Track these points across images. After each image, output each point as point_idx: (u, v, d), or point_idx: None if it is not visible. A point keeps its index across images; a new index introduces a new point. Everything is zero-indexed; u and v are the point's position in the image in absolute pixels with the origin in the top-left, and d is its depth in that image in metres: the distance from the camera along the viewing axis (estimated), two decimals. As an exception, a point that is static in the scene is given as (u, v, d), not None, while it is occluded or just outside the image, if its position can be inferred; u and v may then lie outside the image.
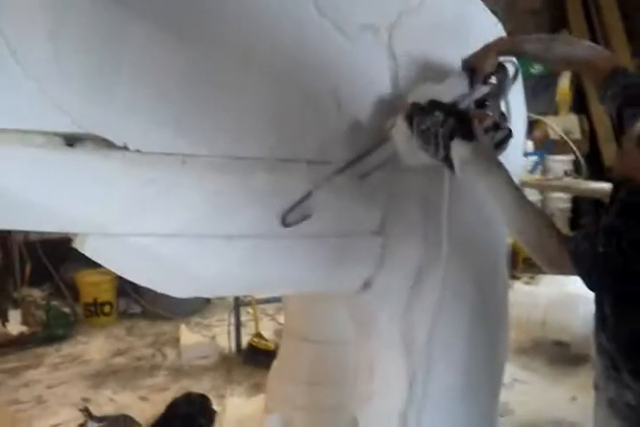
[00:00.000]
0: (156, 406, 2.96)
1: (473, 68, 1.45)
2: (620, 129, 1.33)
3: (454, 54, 1.59)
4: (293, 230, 1.38)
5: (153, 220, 1.22)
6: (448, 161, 1.36)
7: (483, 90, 1.45)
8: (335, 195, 1.45)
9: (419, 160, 1.45)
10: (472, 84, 1.45)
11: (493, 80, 1.48)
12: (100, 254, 1.21)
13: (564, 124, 5.51)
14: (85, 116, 1.08)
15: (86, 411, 2.96)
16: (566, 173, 4.42)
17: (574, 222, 5.72)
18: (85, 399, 3.28)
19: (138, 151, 1.14)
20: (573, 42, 1.47)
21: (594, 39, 6.04)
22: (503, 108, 1.55)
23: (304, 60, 1.34)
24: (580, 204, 5.68)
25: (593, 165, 5.59)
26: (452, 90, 1.43)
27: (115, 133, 1.11)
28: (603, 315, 1.36)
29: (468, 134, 1.33)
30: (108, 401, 3.27)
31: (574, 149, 4.18)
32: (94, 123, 1.09)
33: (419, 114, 1.37)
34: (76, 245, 1.19)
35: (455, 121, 1.33)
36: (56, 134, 1.09)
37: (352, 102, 1.42)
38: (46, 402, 3.27)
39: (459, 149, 1.33)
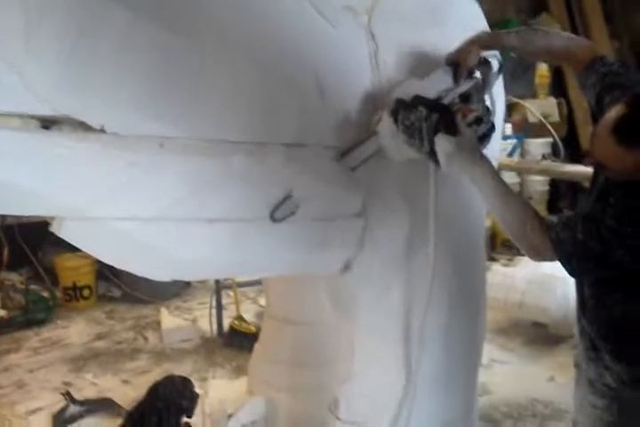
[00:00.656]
0: (137, 389, 2.94)
1: (456, 63, 1.48)
2: (600, 115, 1.34)
3: (434, 35, 1.59)
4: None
5: (132, 203, 1.21)
6: (433, 155, 1.39)
7: (466, 85, 1.48)
8: (316, 179, 1.45)
9: (404, 154, 1.48)
10: (456, 78, 1.46)
11: (477, 74, 1.50)
12: (77, 238, 1.21)
13: (542, 107, 5.53)
14: (61, 98, 1.07)
15: (68, 395, 2.95)
16: (544, 157, 4.44)
17: (552, 205, 5.77)
18: (67, 383, 3.27)
19: (115, 134, 1.13)
20: (552, 34, 1.50)
21: (572, 22, 6.06)
22: (488, 101, 1.57)
23: (285, 43, 1.33)
24: (559, 187, 5.72)
25: (571, 148, 5.63)
26: (436, 85, 1.46)
27: (91, 116, 1.10)
28: (583, 299, 1.39)
29: (452, 129, 1.36)
30: (90, 385, 3.26)
31: (552, 132, 4.21)
32: (70, 105, 1.08)
33: (403, 109, 1.39)
34: (53, 228, 1.18)
35: (439, 116, 1.36)
36: (32, 117, 1.08)
37: (332, 85, 1.41)
38: (27, 386, 3.25)
39: (442, 143, 1.36)
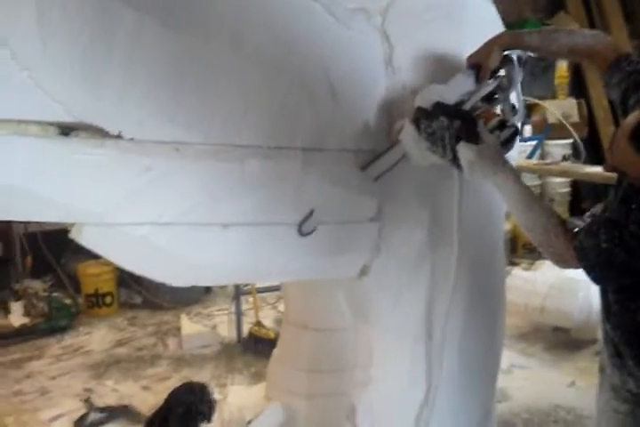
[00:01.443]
0: (157, 395, 2.96)
1: (478, 65, 1.46)
2: (624, 116, 1.33)
3: (449, 37, 1.59)
4: (287, 218, 1.39)
5: (149, 208, 1.22)
6: (456, 162, 1.39)
7: (488, 87, 1.47)
8: (333, 183, 1.45)
9: (428, 160, 1.48)
10: (479, 80, 1.45)
11: (502, 72, 1.49)
12: (96, 244, 1.22)
13: (562, 108, 5.48)
14: (77, 104, 1.08)
15: (88, 401, 2.97)
16: (565, 158, 4.40)
17: (574, 207, 5.71)
18: (88, 390, 3.29)
19: (132, 140, 1.15)
20: (575, 32, 1.48)
21: (591, 21, 6.00)
22: (514, 99, 1.55)
23: (296, 45, 1.33)
24: (580, 188, 5.66)
25: (591, 149, 5.57)
26: (458, 89, 1.45)
27: (108, 122, 1.12)
28: (607, 304, 1.38)
29: (473, 137, 1.35)
30: (111, 391, 3.28)
31: (573, 133, 4.16)
32: (86, 111, 1.09)
33: (425, 118, 1.39)
34: (73, 235, 1.19)
35: (460, 124, 1.36)
36: (50, 124, 1.09)
37: (346, 88, 1.41)
38: (49, 393, 3.28)
39: (464, 151, 1.36)
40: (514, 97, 1.55)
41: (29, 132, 1.07)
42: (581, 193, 5.73)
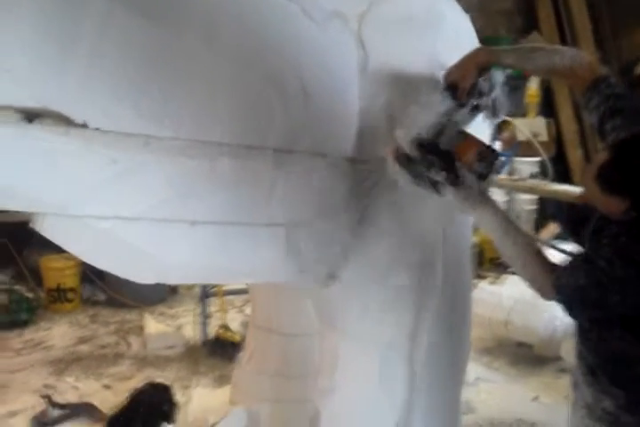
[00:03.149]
0: (119, 394, 2.92)
1: (454, 85, 1.46)
2: (602, 140, 1.36)
3: (424, 46, 1.59)
4: (257, 218, 1.38)
5: (114, 202, 1.20)
6: (441, 195, 1.45)
7: (463, 111, 1.47)
8: (302, 186, 1.44)
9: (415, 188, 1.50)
10: (456, 99, 1.46)
11: (483, 85, 1.49)
12: (58, 236, 1.19)
13: (531, 126, 5.54)
14: (42, 90, 1.05)
15: (48, 398, 2.92)
16: (532, 175, 4.45)
17: (540, 224, 5.78)
18: (48, 386, 3.24)
19: (98, 130, 1.12)
20: (553, 51, 1.45)
21: (563, 41, 6.10)
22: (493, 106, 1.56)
23: (270, 44, 1.32)
24: (546, 206, 5.74)
25: (559, 167, 5.65)
26: (437, 109, 1.44)
27: (73, 110, 1.09)
28: (583, 330, 1.38)
29: (453, 177, 1.40)
30: (71, 389, 3.23)
31: (541, 151, 4.20)
32: (51, 98, 1.07)
33: (407, 162, 1.43)
34: (34, 225, 1.16)
35: (439, 169, 1.40)
36: (14, 110, 1.06)
37: (319, 91, 1.40)
38: (7, 388, 3.22)
39: (446, 193, 1.42)
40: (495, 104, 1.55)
41: (-9, 117, 1.04)
42: (547, 211, 5.81)
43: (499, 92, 1.55)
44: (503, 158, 4.89)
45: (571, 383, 1.48)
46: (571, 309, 1.29)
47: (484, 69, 1.47)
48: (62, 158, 1.11)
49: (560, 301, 1.29)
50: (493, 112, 1.57)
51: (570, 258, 1.33)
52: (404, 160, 1.43)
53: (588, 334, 1.37)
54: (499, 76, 1.54)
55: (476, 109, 1.52)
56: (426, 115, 1.44)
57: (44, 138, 1.09)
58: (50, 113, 1.09)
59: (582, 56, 1.44)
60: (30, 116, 1.08)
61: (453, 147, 1.43)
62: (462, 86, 1.45)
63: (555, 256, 1.40)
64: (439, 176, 1.40)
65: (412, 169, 1.43)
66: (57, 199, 1.14)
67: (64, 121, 1.10)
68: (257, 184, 1.35)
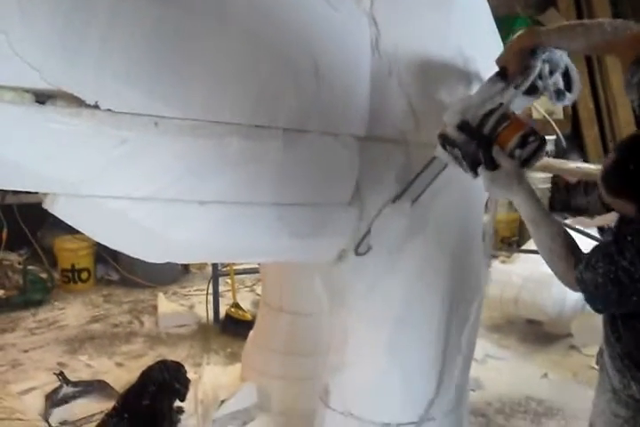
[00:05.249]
0: (132, 372, 2.95)
1: (504, 69, 1.44)
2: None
3: (438, 22, 1.57)
4: (266, 197, 1.38)
5: (124, 182, 1.21)
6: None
7: (516, 94, 1.44)
8: (313, 165, 1.44)
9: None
10: (509, 82, 1.44)
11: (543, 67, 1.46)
12: (70, 216, 1.20)
13: (547, 104, 5.49)
14: (54, 72, 1.06)
15: (61, 375, 2.95)
16: (547, 154, 4.42)
17: (552, 202, 5.76)
18: (61, 364, 3.27)
19: (109, 110, 1.12)
20: (593, 28, 1.37)
21: (580, 18, 6.01)
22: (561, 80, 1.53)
23: (282, 23, 1.31)
24: (559, 186, 5.70)
25: (574, 146, 5.60)
26: (488, 96, 1.43)
27: (85, 91, 1.09)
28: (610, 318, 1.37)
29: (490, 162, 1.38)
30: (84, 367, 3.27)
31: (556, 129, 4.17)
32: (63, 79, 1.07)
33: (447, 144, 1.42)
34: (46, 205, 1.18)
35: (478, 150, 1.39)
36: (26, 91, 1.07)
37: (331, 70, 1.40)
38: (21, 366, 3.26)
39: (481, 175, 1.41)
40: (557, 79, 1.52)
41: (4, 98, 1.05)
42: (559, 191, 5.78)
43: (559, 75, 1.51)
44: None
45: (599, 366, 1.47)
46: (595, 304, 1.28)
47: (533, 51, 1.43)
48: (73, 139, 1.12)
49: (585, 296, 1.28)
50: (557, 94, 1.53)
51: (593, 248, 1.28)
52: (446, 142, 1.43)
53: (615, 322, 1.35)
54: (564, 57, 1.50)
55: (533, 92, 1.49)
56: (475, 98, 1.43)
57: (56, 119, 1.09)
58: (62, 94, 1.09)
59: (626, 28, 1.33)
60: (43, 97, 1.09)
61: (497, 131, 1.40)
62: (512, 70, 1.43)
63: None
64: (476, 160, 1.39)
65: (452, 151, 1.43)
66: (68, 179, 1.15)
67: (76, 102, 1.10)
68: (267, 164, 1.35)
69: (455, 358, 1.79)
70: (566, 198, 4.72)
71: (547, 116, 3.32)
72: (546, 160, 3.34)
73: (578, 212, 4.64)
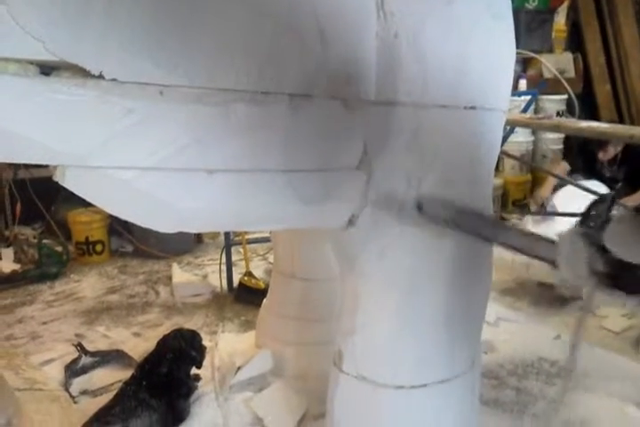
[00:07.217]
0: (149, 341, 3.01)
1: None
2: None
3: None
4: (274, 164, 1.38)
5: (132, 152, 1.21)
6: None
7: None
8: (319, 130, 1.43)
9: None
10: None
11: None
12: (79, 187, 1.21)
13: (558, 62, 5.39)
14: (58, 43, 1.05)
15: (80, 346, 3.01)
16: (559, 114, 4.36)
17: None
18: (79, 335, 3.34)
19: (114, 80, 1.12)
20: None
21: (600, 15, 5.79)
22: None
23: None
24: (571, 145, 5.65)
25: (586, 105, 5.52)
26: None
27: (89, 61, 1.09)
28: None
29: None
30: (102, 337, 3.32)
31: (568, 88, 4.11)
32: (67, 50, 1.06)
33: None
34: (56, 177, 1.18)
35: None
36: (30, 62, 1.07)
37: (336, 32, 1.37)
38: (40, 338, 3.32)
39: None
40: None
41: (8, 70, 1.04)
42: (572, 151, 5.72)
43: None
44: (528, 97, 4.74)
45: None
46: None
47: None
48: (79, 110, 1.12)
49: None
50: None
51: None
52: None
53: None
54: None
55: None
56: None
57: (61, 90, 1.09)
58: (67, 65, 1.09)
59: None
60: (47, 68, 1.08)
61: None
62: None
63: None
64: None
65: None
66: (75, 151, 1.15)
67: (81, 73, 1.10)
68: (273, 130, 1.35)
69: (466, 320, 1.81)
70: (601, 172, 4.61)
71: (558, 74, 3.27)
72: (557, 120, 3.30)
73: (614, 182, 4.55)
